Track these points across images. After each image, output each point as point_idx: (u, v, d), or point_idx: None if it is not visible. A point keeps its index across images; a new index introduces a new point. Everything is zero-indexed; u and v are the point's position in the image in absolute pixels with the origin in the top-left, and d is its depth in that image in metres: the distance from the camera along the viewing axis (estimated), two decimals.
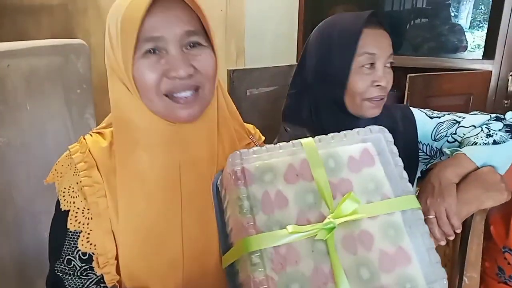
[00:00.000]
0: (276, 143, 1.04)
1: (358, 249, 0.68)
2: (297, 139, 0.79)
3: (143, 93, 0.77)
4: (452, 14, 1.93)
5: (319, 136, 0.76)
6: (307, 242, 0.68)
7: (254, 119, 1.20)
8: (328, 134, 0.77)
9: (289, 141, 0.94)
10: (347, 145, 0.76)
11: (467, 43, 1.83)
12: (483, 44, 1.82)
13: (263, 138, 1.03)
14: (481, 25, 1.87)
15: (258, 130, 1.04)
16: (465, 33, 1.83)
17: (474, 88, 1.64)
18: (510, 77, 1.60)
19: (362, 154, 0.75)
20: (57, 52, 1.30)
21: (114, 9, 0.77)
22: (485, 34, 1.78)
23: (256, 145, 0.96)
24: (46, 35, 2.34)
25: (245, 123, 0.99)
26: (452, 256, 1.13)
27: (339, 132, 0.83)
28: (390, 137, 0.78)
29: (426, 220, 0.85)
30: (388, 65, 0.98)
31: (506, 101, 1.63)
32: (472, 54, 1.80)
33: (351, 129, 0.87)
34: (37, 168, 1.26)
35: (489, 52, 1.72)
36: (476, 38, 1.86)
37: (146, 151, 0.81)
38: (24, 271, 1.32)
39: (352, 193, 0.69)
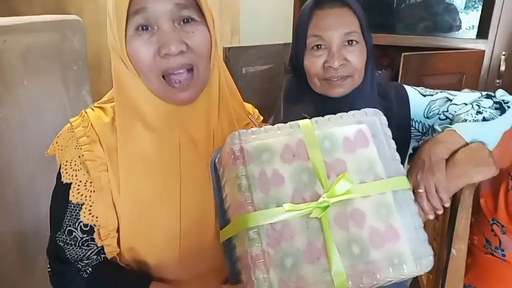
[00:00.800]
0: (273, 120, 1.07)
1: (350, 226, 0.71)
2: (292, 116, 0.81)
3: (140, 71, 0.78)
4: None
5: (315, 118, 0.79)
6: (301, 219, 0.71)
7: (250, 97, 1.21)
8: (325, 116, 0.79)
9: (283, 118, 0.96)
10: (339, 125, 0.79)
11: (461, 23, 1.84)
12: (477, 24, 1.83)
13: (261, 117, 1.06)
14: (476, 5, 1.87)
15: (256, 110, 1.07)
16: (460, 13, 1.83)
17: (467, 67, 1.65)
18: (502, 57, 1.62)
19: (356, 135, 0.78)
20: (53, 28, 1.29)
21: None
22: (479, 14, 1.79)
23: (255, 125, 0.98)
24: (38, 12, 2.31)
25: (244, 103, 1.01)
26: (441, 230, 1.18)
27: (326, 109, 0.86)
28: (384, 119, 0.80)
29: (416, 194, 0.89)
30: (347, 43, 0.97)
31: (498, 81, 1.65)
32: (466, 34, 1.80)
33: (336, 106, 0.92)
34: (35, 145, 1.27)
35: (482, 32, 1.72)
36: (471, 19, 1.86)
37: (146, 129, 0.82)
38: (25, 248, 1.34)
39: (346, 173, 0.73)
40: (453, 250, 1.09)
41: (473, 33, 1.78)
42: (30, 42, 1.24)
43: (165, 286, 0.84)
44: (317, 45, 0.97)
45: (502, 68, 1.63)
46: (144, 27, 0.75)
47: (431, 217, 0.89)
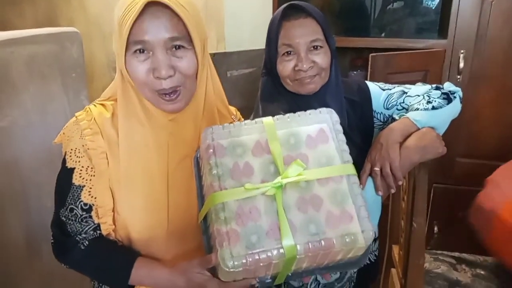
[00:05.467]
0: (252, 118, 1.19)
1: (308, 209, 0.81)
2: (269, 114, 0.93)
3: (135, 83, 0.91)
4: None
5: (277, 116, 0.90)
6: (267, 202, 0.80)
7: (234, 99, 1.33)
8: (285, 115, 0.90)
9: (262, 115, 1.09)
10: (302, 123, 0.89)
11: (424, 26, 1.97)
12: (438, 26, 1.98)
13: (242, 119, 1.17)
14: (436, 10, 1.99)
15: (239, 113, 1.18)
16: (423, 17, 1.95)
17: (430, 65, 1.79)
18: (461, 55, 1.78)
19: (318, 133, 0.88)
20: (53, 39, 1.42)
21: (118, 5, 0.89)
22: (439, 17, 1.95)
23: None
24: (29, 24, 2.37)
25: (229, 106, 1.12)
26: (406, 209, 1.32)
27: (299, 106, 0.98)
28: (336, 117, 0.91)
29: (372, 172, 1.01)
30: (313, 48, 1.09)
31: (458, 77, 1.79)
32: (429, 35, 1.95)
33: (308, 102, 1.05)
34: (39, 144, 1.39)
35: (443, 33, 1.88)
36: (432, 21, 1.99)
37: (140, 125, 0.95)
38: (31, 236, 1.44)
39: (298, 159, 0.83)
40: (414, 224, 1.22)
41: (435, 34, 1.94)
42: (33, 52, 1.36)
43: (150, 261, 0.95)
44: (287, 52, 1.09)
45: (461, 65, 1.77)
46: (141, 50, 0.88)
47: (381, 193, 1.00)
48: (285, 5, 1.11)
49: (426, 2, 2.01)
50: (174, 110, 0.94)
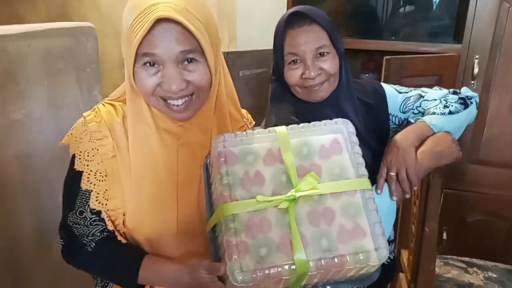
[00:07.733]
0: (265, 125, 1.16)
1: (321, 223, 0.78)
2: (281, 120, 0.91)
3: (142, 92, 0.89)
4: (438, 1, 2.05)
5: (291, 125, 0.88)
6: (278, 214, 0.78)
7: (246, 98, 1.33)
8: (300, 124, 0.88)
9: (275, 121, 1.05)
10: (316, 134, 0.87)
11: (439, 30, 1.97)
12: (453, 31, 1.98)
13: (253, 122, 1.16)
14: (452, 14, 1.99)
15: (250, 115, 1.17)
16: (438, 21, 1.96)
17: (444, 70, 1.78)
18: (476, 60, 1.76)
19: (332, 143, 0.86)
20: (69, 33, 1.42)
21: (127, 11, 0.85)
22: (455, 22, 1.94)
23: (249, 128, 1.08)
24: (43, 20, 2.40)
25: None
26: (418, 213, 1.31)
27: (312, 112, 0.97)
28: (352, 128, 0.88)
29: (388, 177, 1.00)
30: (320, 54, 1.07)
31: (472, 82, 1.78)
32: (443, 39, 1.95)
33: (320, 108, 1.03)
34: (53, 138, 1.39)
35: (458, 37, 1.87)
36: (448, 26, 2.00)
37: (150, 130, 0.93)
38: (42, 230, 1.45)
39: (312, 172, 0.81)
40: (426, 229, 1.21)
41: (450, 39, 1.94)
42: (49, 46, 1.36)
43: (157, 258, 0.94)
44: (293, 60, 1.08)
45: (476, 70, 1.76)
46: (151, 63, 0.84)
47: (396, 199, 0.99)
48: (288, 11, 1.09)
49: (436, 8, 2.01)
50: (183, 119, 0.92)
